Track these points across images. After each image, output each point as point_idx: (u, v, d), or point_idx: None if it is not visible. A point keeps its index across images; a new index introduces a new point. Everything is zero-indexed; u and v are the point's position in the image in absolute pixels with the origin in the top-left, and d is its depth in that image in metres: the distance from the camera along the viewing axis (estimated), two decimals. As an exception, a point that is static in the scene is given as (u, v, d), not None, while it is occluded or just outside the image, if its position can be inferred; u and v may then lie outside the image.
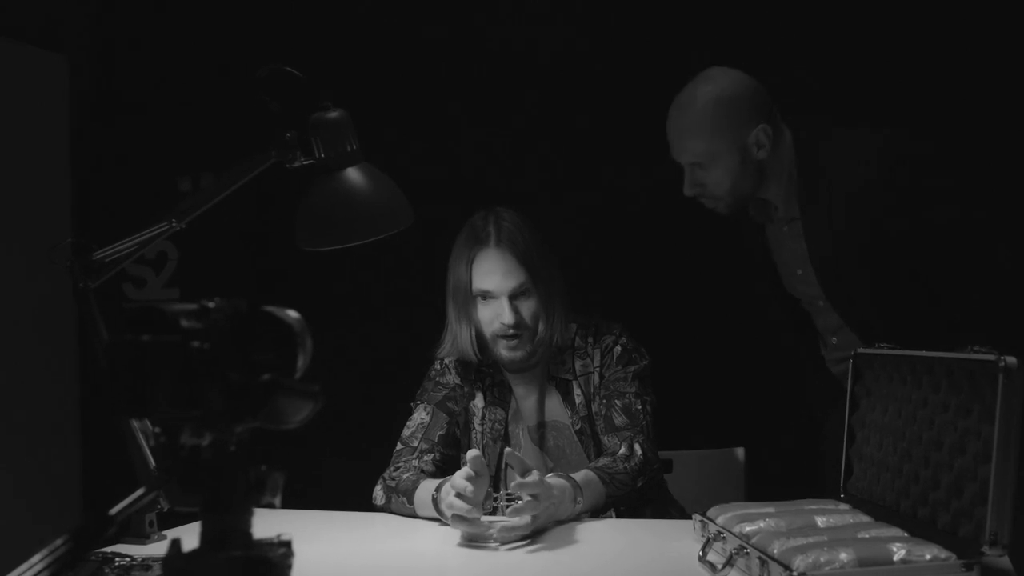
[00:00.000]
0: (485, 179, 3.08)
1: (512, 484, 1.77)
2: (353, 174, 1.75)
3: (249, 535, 0.92)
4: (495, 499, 2.04)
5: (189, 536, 0.90)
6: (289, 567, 0.93)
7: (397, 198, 1.80)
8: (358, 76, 3.10)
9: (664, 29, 2.97)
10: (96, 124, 3.62)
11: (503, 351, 2.10)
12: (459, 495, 1.78)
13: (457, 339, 2.14)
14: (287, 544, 0.93)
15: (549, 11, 3.08)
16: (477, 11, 3.14)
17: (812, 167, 2.04)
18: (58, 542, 0.82)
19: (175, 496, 0.92)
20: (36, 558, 0.81)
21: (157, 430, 0.89)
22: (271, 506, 0.92)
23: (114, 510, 0.87)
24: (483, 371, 2.21)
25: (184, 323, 0.87)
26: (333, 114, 1.72)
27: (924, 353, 1.52)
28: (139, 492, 0.90)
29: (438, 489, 1.89)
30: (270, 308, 0.95)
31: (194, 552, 0.89)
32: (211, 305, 0.89)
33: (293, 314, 0.96)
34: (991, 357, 1.31)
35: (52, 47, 3.50)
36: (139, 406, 0.88)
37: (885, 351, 1.64)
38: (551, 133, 3.09)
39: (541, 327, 2.10)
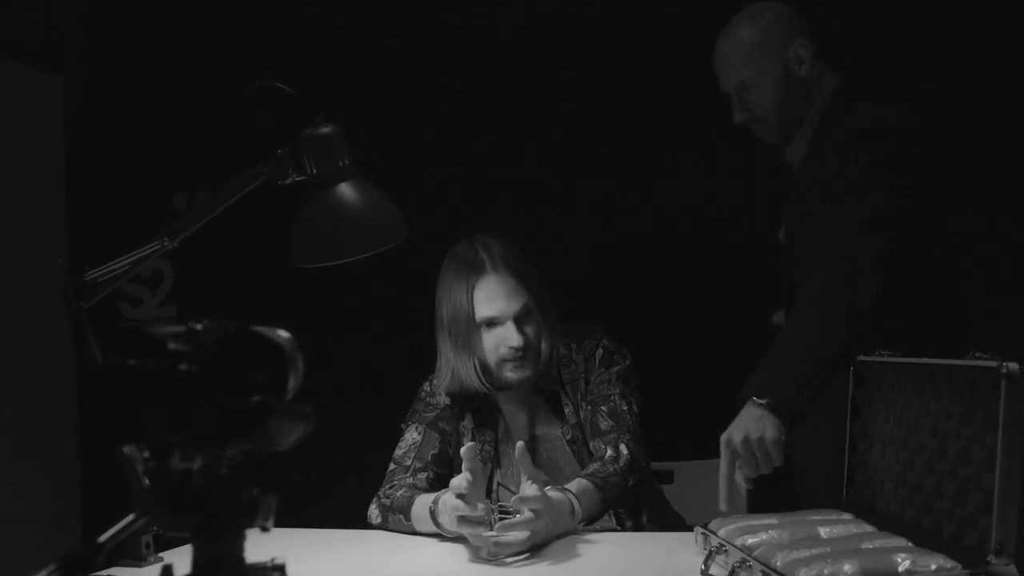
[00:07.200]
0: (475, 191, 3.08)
1: (513, 499, 1.75)
2: (345, 189, 1.73)
3: (242, 560, 0.90)
4: (492, 511, 2.02)
5: (183, 560, 0.88)
6: (283, 592, 0.91)
7: (390, 212, 1.78)
8: (355, 90, 3.09)
9: (654, 40, 2.97)
10: (91, 144, 3.61)
11: (510, 373, 2.07)
12: (459, 496, 1.76)
13: (458, 372, 2.10)
14: (281, 568, 0.92)
15: (540, 31, 3.07)
16: (469, 25, 3.13)
17: (835, 119, 2.02)
18: (46, 571, 0.81)
19: (165, 521, 0.91)
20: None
21: (146, 454, 0.87)
22: (264, 530, 0.91)
23: (103, 537, 0.85)
24: (471, 393, 2.17)
25: (171, 346, 0.86)
26: (324, 129, 1.70)
27: (925, 360, 1.50)
28: (129, 518, 0.88)
29: (435, 502, 1.87)
30: (259, 328, 0.93)
31: (186, 578, 0.87)
32: (199, 327, 0.88)
33: (283, 334, 0.94)
34: (993, 364, 1.29)
35: (47, 68, 3.49)
36: (130, 431, 0.86)
37: (885, 359, 1.62)
38: (536, 142, 3.08)
39: (544, 346, 2.09)
